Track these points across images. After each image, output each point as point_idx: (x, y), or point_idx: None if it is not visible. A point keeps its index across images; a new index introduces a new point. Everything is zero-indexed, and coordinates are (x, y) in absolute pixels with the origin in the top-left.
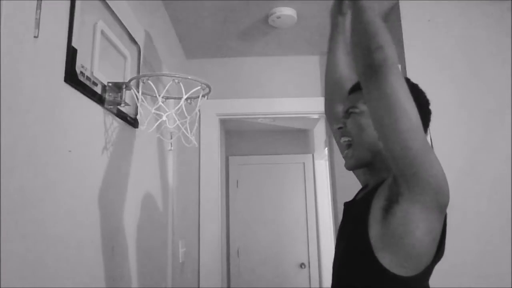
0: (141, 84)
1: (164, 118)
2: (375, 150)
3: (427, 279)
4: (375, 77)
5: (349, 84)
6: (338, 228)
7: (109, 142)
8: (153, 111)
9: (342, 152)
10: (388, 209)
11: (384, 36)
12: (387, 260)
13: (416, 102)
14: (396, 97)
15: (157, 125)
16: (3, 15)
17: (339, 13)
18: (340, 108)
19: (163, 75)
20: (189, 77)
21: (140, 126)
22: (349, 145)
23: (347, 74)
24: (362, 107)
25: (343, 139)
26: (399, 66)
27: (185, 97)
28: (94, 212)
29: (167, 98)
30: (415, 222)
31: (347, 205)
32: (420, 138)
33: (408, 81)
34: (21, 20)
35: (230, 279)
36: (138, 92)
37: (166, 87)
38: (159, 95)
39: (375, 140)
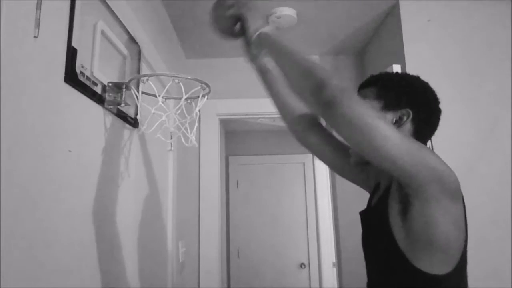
0: (141, 84)
1: (164, 118)
2: None
3: (465, 272)
4: (333, 110)
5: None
6: (361, 237)
7: (109, 142)
8: (153, 111)
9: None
10: (404, 213)
11: (319, 71)
12: (423, 262)
13: (425, 102)
14: (362, 119)
15: (157, 125)
16: (3, 15)
17: (253, 59)
18: (314, 139)
19: (163, 75)
20: (189, 77)
21: (140, 126)
22: None
23: (300, 105)
24: (370, 104)
25: None
26: (348, 89)
27: (185, 97)
28: (94, 212)
29: (167, 98)
30: (434, 217)
31: (363, 214)
32: (404, 145)
33: (418, 79)
34: (21, 20)
35: (230, 279)
36: (138, 92)
37: (166, 87)
38: (159, 95)
39: None
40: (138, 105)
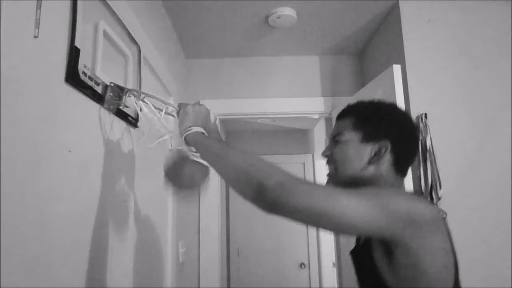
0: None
1: (163, 120)
2: (358, 179)
3: None
4: (281, 210)
5: None
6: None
7: (109, 142)
8: (155, 118)
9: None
10: (388, 255)
11: (253, 173)
12: None
13: (403, 132)
14: (313, 206)
15: (157, 127)
16: (3, 15)
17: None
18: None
19: (159, 100)
20: (176, 107)
21: (140, 126)
22: (333, 170)
23: None
24: (348, 135)
25: (328, 167)
26: (289, 181)
27: (163, 113)
28: (93, 212)
29: (166, 113)
30: (417, 255)
31: (353, 254)
32: (363, 208)
33: (395, 108)
34: (21, 20)
35: (230, 279)
36: (138, 100)
37: (163, 111)
38: (160, 110)
39: (359, 171)
40: (140, 114)
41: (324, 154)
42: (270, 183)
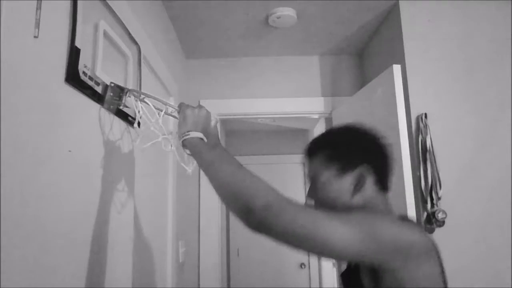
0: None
1: (160, 121)
2: (348, 208)
3: None
4: (266, 231)
5: None
6: None
7: (109, 142)
8: (153, 120)
9: None
10: (377, 280)
11: (241, 192)
12: None
13: (377, 150)
14: (302, 231)
15: (157, 128)
16: (3, 15)
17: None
18: None
19: (159, 100)
20: (176, 108)
21: (140, 126)
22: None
23: None
24: (325, 174)
25: (308, 200)
26: (274, 204)
27: (162, 114)
28: (93, 212)
29: (166, 114)
30: (402, 282)
31: (343, 276)
32: (351, 235)
33: (360, 129)
34: (21, 20)
35: (230, 279)
36: (137, 101)
37: (163, 112)
38: (160, 110)
39: (348, 203)
40: (138, 116)
41: (309, 196)
42: (256, 205)
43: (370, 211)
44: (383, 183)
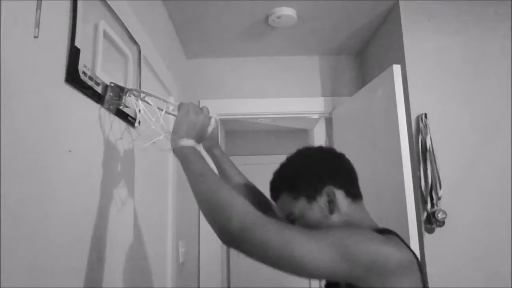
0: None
1: (161, 120)
2: (323, 227)
3: None
4: (241, 250)
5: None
6: None
7: (109, 142)
8: (153, 119)
9: None
10: None
11: (220, 209)
12: None
13: (334, 167)
14: (276, 252)
15: (157, 128)
16: (3, 15)
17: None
18: None
19: (160, 99)
20: (176, 103)
21: (140, 126)
22: None
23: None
24: (297, 208)
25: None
26: (249, 226)
27: (163, 113)
28: (94, 212)
29: (167, 112)
30: None
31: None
32: (327, 253)
33: (310, 151)
34: (21, 20)
35: (230, 279)
36: (138, 100)
37: (163, 112)
38: (160, 110)
39: (330, 224)
40: (139, 115)
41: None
42: (232, 225)
43: (349, 228)
44: (352, 193)
